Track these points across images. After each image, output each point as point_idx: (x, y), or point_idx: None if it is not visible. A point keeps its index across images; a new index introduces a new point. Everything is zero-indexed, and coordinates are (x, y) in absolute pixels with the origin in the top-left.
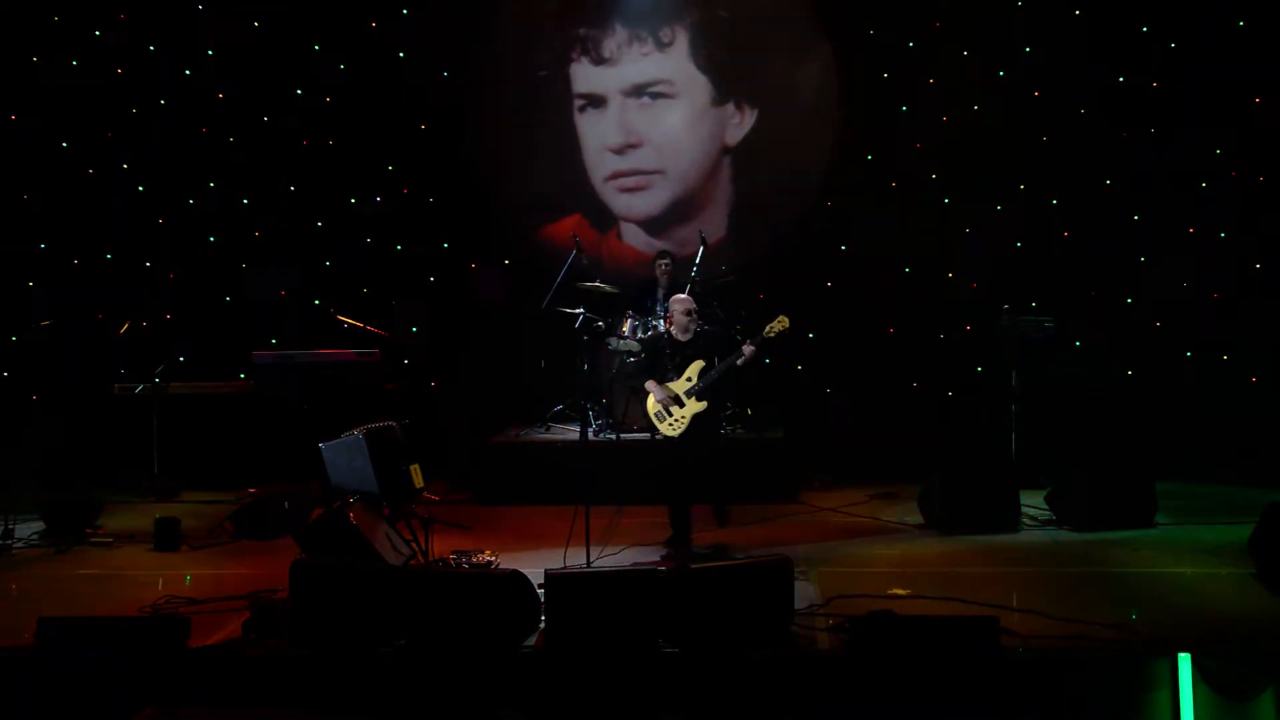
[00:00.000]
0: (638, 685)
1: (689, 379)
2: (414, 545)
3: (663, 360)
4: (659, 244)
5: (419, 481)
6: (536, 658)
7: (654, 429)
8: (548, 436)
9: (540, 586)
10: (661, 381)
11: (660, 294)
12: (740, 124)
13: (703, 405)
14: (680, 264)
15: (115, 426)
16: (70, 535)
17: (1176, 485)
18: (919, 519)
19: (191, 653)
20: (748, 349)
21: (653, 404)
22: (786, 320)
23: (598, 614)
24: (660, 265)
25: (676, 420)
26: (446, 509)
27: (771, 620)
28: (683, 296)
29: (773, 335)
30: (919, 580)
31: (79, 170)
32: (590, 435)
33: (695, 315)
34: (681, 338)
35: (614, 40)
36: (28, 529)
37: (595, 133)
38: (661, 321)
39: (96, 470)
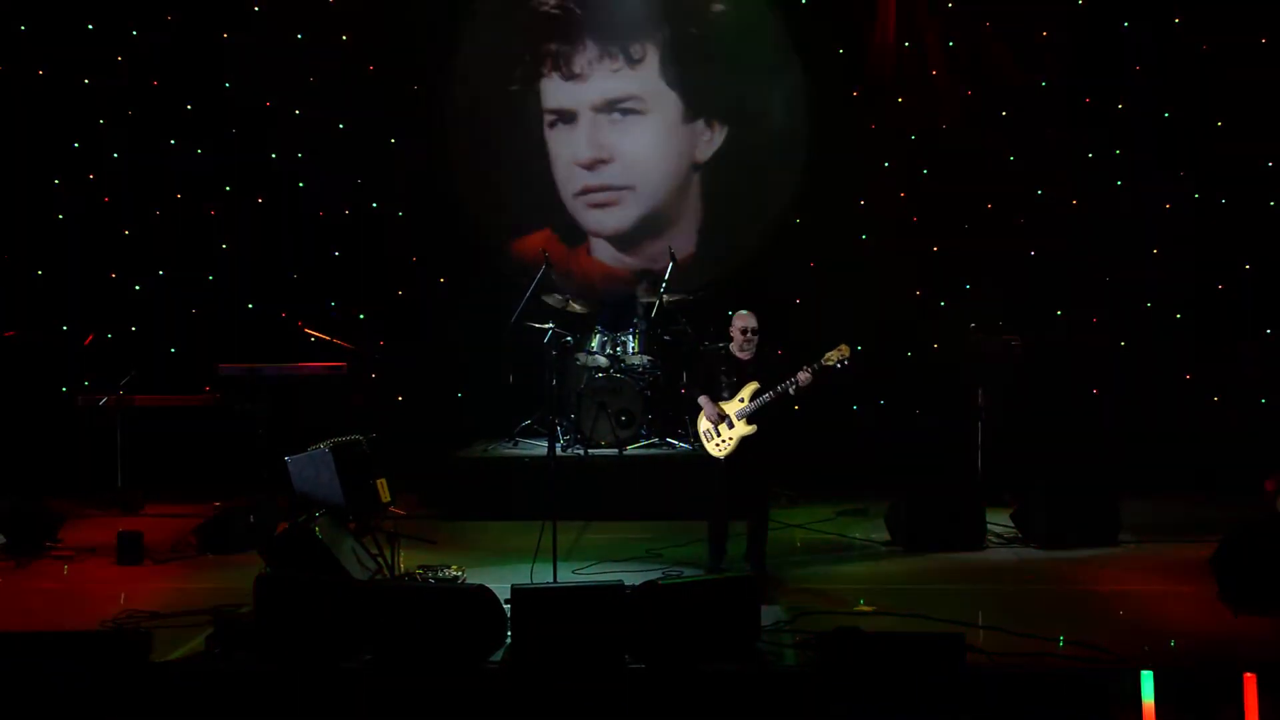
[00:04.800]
0: (603, 700)
1: (741, 399)
2: (380, 560)
3: (719, 377)
4: (628, 260)
5: (386, 496)
6: (502, 673)
7: (703, 447)
8: (515, 451)
9: (507, 601)
10: (716, 399)
11: (640, 310)
12: (710, 141)
13: (752, 429)
14: (654, 280)
15: (78, 438)
16: (31, 548)
17: (1140, 503)
18: (885, 536)
19: (154, 667)
20: (802, 376)
21: (703, 421)
22: (847, 349)
23: (564, 629)
24: (642, 285)
25: (724, 441)
26: (413, 523)
27: (738, 636)
28: (744, 312)
29: (831, 363)
30: (885, 597)
31: (44, 180)
32: (558, 450)
33: (754, 333)
34: (741, 355)
35: (585, 56)
36: None
37: (565, 148)
38: (631, 338)
39: (59, 482)
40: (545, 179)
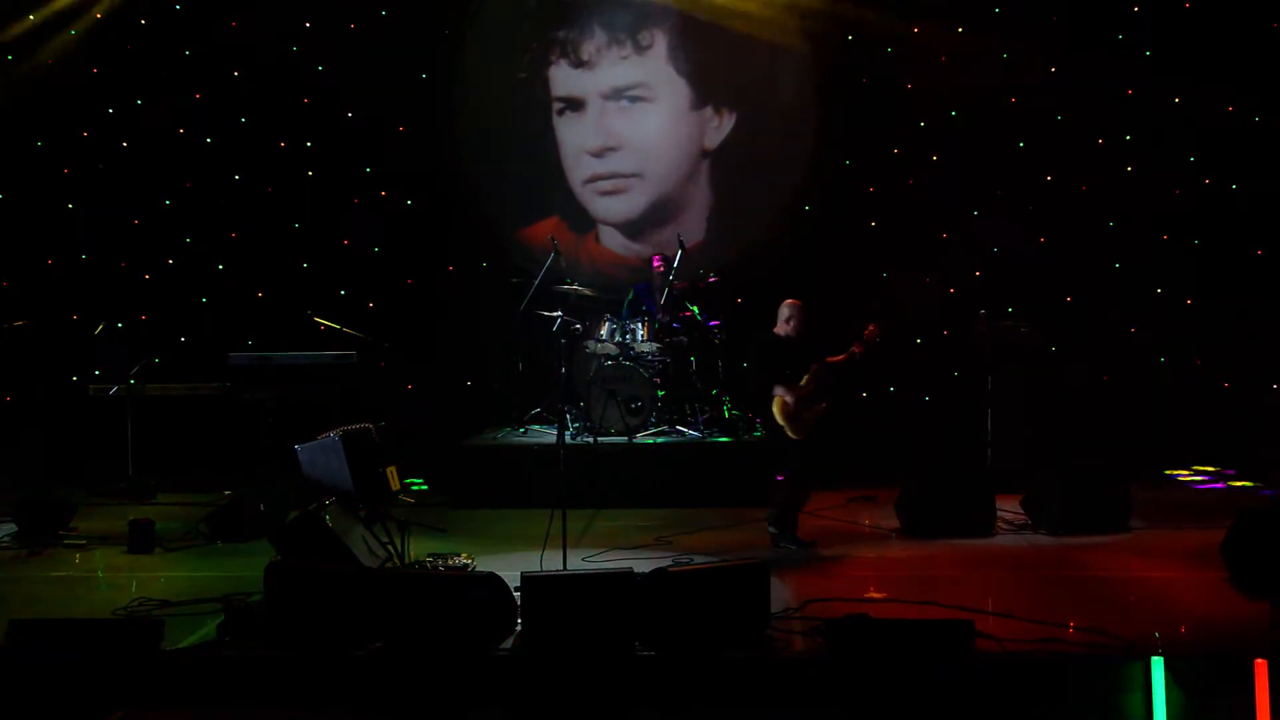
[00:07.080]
0: (612, 687)
1: (804, 382)
2: (390, 548)
3: (782, 365)
4: (637, 247)
5: (395, 484)
6: (512, 660)
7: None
8: (525, 439)
9: (516, 589)
10: (788, 385)
11: (660, 297)
12: (719, 128)
13: (822, 406)
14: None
15: (90, 427)
16: (43, 536)
17: (1151, 489)
18: (895, 523)
19: (166, 655)
20: (856, 350)
21: (784, 407)
22: (875, 327)
23: (573, 616)
24: (661, 270)
25: (806, 423)
26: (423, 511)
27: (747, 623)
28: (791, 301)
29: (873, 338)
30: (895, 584)
31: (54, 170)
32: (567, 438)
33: (800, 320)
34: (793, 339)
35: (593, 43)
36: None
37: (574, 136)
38: (641, 325)
39: (71, 471)
40: (553, 167)
